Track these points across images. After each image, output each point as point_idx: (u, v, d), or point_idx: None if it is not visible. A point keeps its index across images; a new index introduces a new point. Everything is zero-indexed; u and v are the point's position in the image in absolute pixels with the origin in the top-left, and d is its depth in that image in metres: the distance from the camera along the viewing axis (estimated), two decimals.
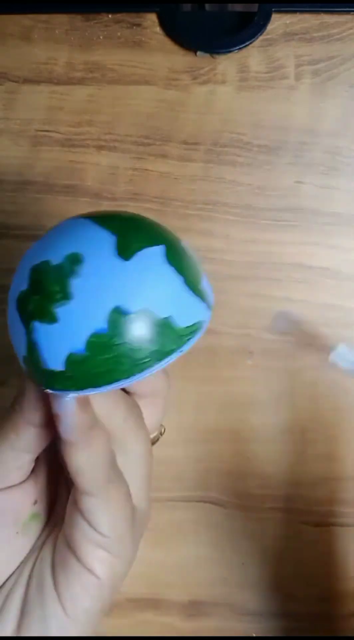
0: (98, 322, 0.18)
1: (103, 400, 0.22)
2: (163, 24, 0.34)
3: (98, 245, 0.19)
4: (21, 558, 0.24)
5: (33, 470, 0.25)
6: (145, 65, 0.34)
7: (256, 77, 0.34)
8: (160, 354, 0.19)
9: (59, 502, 0.26)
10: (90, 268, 0.19)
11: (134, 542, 0.24)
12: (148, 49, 0.34)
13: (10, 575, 0.24)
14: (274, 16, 0.34)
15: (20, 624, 0.23)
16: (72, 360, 0.19)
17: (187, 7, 0.35)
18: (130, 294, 0.19)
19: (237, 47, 0.33)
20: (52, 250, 0.19)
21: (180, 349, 0.20)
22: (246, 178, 0.34)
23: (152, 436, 0.26)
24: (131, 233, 0.20)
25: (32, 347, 0.19)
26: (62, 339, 0.19)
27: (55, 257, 0.19)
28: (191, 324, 0.20)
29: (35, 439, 0.23)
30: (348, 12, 0.34)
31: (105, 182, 0.34)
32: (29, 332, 0.19)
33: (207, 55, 0.34)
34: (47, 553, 0.24)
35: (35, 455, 0.24)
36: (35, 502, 0.25)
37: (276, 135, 0.34)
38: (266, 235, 0.34)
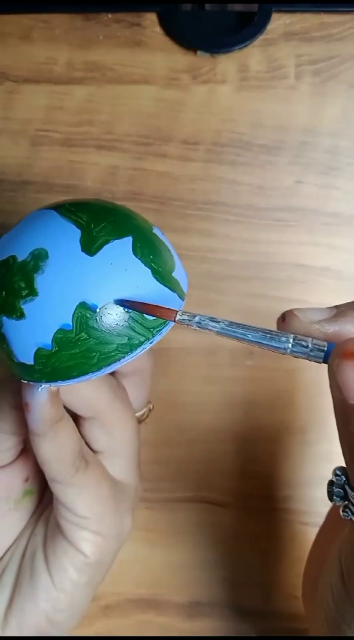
0: (64, 318, 0.19)
1: (86, 385, 0.22)
2: (163, 23, 0.34)
3: (64, 241, 0.19)
4: (16, 533, 0.25)
5: (24, 449, 0.26)
6: (145, 65, 0.34)
7: (256, 77, 0.34)
8: (129, 347, 0.19)
9: None
10: (55, 264, 0.19)
11: (121, 517, 0.25)
12: (148, 49, 0.34)
13: (7, 550, 0.25)
14: (274, 16, 0.34)
15: (13, 593, 0.24)
16: (40, 355, 0.19)
17: (187, 7, 0.35)
18: (95, 289, 0.19)
19: (237, 47, 0.33)
20: (18, 245, 0.19)
21: (150, 341, 0.20)
22: (246, 178, 0.34)
23: (140, 413, 0.27)
24: (97, 226, 0.20)
25: (3, 341, 0.20)
26: (29, 335, 0.19)
27: (21, 253, 0.19)
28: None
29: (21, 422, 0.23)
30: (348, 12, 0.34)
31: (105, 182, 0.34)
32: None
33: (207, 55, 0.34)
34: (40, 528, 0.25)
35: (23, 437, 0.24)
36: (27, 480, 0.26)
37: (276, 135, 0.34)
38: (266, 235, 0.34)
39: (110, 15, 0.34)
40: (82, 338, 0.19)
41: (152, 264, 0.20)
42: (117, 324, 0.19)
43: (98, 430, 0.24)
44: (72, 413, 0.23)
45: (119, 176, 0.34)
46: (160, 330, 0.20)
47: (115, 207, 0.21)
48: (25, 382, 0.20)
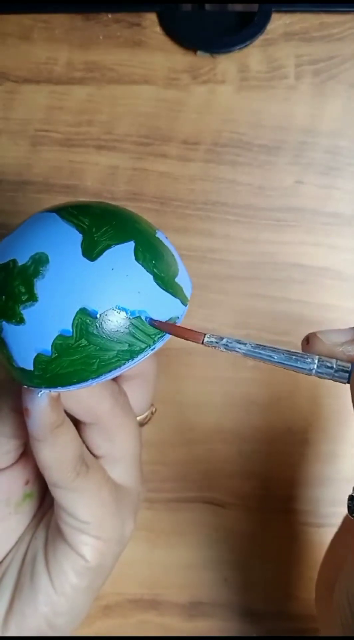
0: (64, 323, 0.18)
1: (87, 391, 0.22)
2: (163, 23, 0.34)
3: (65, 245, 0.19)
4: (17, 536, 0.25)
5: (25, 452, 0.25)
6: (145, 65, 0.34)
7: (256, 77, 0.34)
8: (130, 353, 0.19)
9: None
10: (56, 269, 0.19)
11: (122, 521, 0.25)
12: (148, 49, 0.34)
13: (8, 553, 0.25)
14: (274, 16, 0.34)
15: (13, 597, 0.24)
16: (39, 361, 0.19)
17: (187, 7, 0.35)
18: (96, 295, 0.19)
19: (237, 47, 0.33)
20: (18, 249, 0.19)
21: (151, 348, 0.20)
22: (246, 178, 0.34)
23: (142, 417, 0.26)
24: (99, 231, 0.19)
25: (3, 345, 0.19)
26: (29, 340, 0.19)
27: (21, 256, 0.19)
28: (162, 321, 0.20)
29: (21, 425, 0.23)
30: (348, 12, 0.34)
31: (105, 182, 0.34)
32: None
33: (207, 55, 0.34)
34: (41, 531, 0.25)
35: (23, 440, 0.24)
36: (27, 483, 0.26)
37: (276, 135, 0.34)
38: (266, 235, 0.34)
39: (110, 16, 0.34)
40: (81, 344, 0.19)
41: (154, 270, 0.20)
42: (117, 331, 0.19)
43: (99, 436, 0.24)
44: (73, 417, 0.23)
45: (119, 176, 0.34)
46: (162, 337, 0.20)
47: (117, 210, 0.21)
48: (25, 387, 0.20)
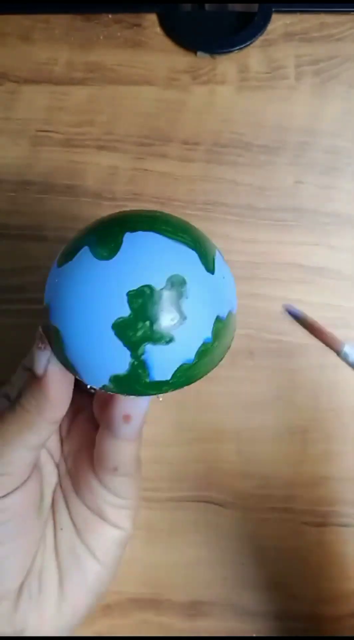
0: (206, 333, 0.20)
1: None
2: (163, 24, 0.34)
3: (190, 264, 0.20)
4: (40, 534, 0.26)
5: None
6: (145, 65, 0.34)
7: (256, 77, 0.34)
8: (229, 345, 0.22)
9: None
10: (194, 287, 0.20)
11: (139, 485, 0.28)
12: (148, 49, 0.34)
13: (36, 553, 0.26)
14: (274, 16, 0.34)
15: (62, 586, 0.25)
16: (180, 369, 0.20)
17: (187, 7, 0.35)
18: (222, 302, 0.21)
19: (237, 47, 0.34)
20: (148, 274, 0.20)
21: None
22: (246, 178, 0.34)
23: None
24: (200, 244, 0.21)
25: (139, 367, 0.20)
26: (175, 356, 0.20)
27: (156, 281, 0.19)
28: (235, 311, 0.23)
29: (51, 433, 0.24)
30: (348, 12, 0.34)
31: (106, 182, 0.34)
32: (137, 355, 0.20)
33: (207, 55, 0.34)
34: (65, 522, 0.26)
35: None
36: (41, 484, 0.26)
37: (276, 135, 0.34)
38: (266, 235, 0.34)
39: (110, 16, 0.34)
40: (215, 346, 0.21)
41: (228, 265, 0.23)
42: (232, 328, 0.22)
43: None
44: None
45: (119, 176, 0.34)
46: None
47: (185, 222, 0.22)
48: (130, 396, 0.21)
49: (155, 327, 0.19)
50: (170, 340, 0.20)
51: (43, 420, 0.23)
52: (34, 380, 0.22)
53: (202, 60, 0.34)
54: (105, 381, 0.20)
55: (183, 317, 0.20)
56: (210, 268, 0.21)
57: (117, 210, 0.34)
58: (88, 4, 0.34)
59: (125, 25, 0.34)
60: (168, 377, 0.20)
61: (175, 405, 0.33)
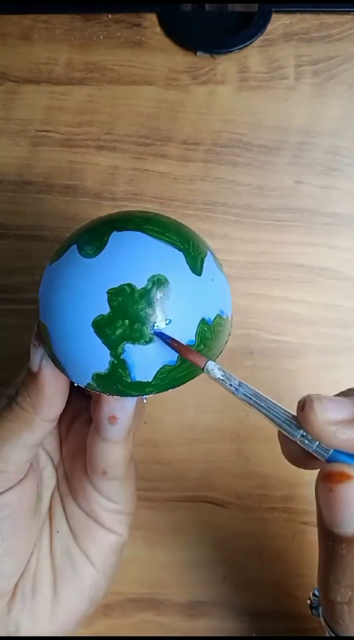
0: (189, 335, 0.20)
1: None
2: (163, 24, 0.34)
3: (175, 265, 0.20)
4: (36, 537, 0.26)
5: None
6: (145, 65, 0.34)
7: (256, 77, 0.34)
8: (220, 350, 0.22)
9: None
10: (177, 288, 0.20)
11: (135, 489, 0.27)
12: (148, 49, 0.34)
13: (31, 555, 0.26)
14: (274, 16, 0.34)
15: (55, 590, 0.25)
16: (162, 371, 0.20)
17: (187, 7, 0.35)
18: (208, 305, 0.20)
19: (237, 47, 0.34)
20: (129, 273, 0.19)
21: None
22: (245, 178, 0.34)
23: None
24: (190, 246, 0.21)
25: (119, 365, 0.20)
26: (155, 356, 0.20)
27: (137, 280, 0.19)
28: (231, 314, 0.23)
29: (48, 432, 0.24)
30: (348, 12, 0.34)
31: (105, 182, 0.34)
32: (116, 353, 0.19)
33: (207, 55, 0.34)
34: (61, 525, 0.26)
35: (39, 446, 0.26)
36: (37, 484, 0.26)
37: (276, 135, 0.34)
38: (266, 235, 0.34)
39: (110, 16, 0.34)
40: (200, 349, 0.20)
41: (224, 271, 0.22)
42: (221, 331, 0.21)
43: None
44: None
45: (119, 176, 0.34)
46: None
47: (176, 221, 0.22)
48: (115, 396, 0.21)
49: (134, 326, 0.19)
50: (150, 340, 0.19)
51: (39, 418, 0.23)
52: (29, 377, 0.22)
53: (202, 60, 0.34)
54: (88, 379, 0.20)
55: (163, 318, 0.19)
56: (197, 270, 0.20)
57: (116, 211, 0.34)
58: (88, 4, 0.34)
59: (125, 25, 0.34)
60: (150, 379, 0.20)
61: (175, 405, 0.33)
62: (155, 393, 0.21)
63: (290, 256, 0.34)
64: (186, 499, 0.33)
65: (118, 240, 0.20)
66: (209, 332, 0.20)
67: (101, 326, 0.19)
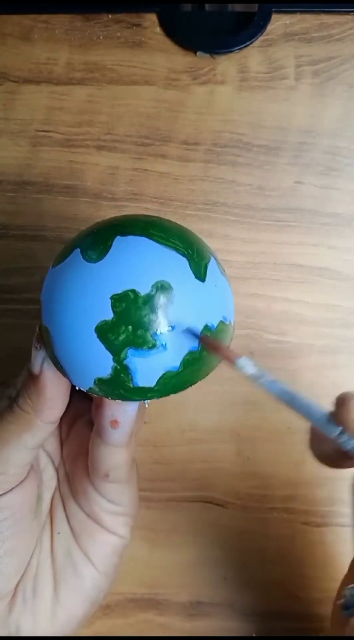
0: (193, 341, 0.20)
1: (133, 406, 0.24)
2: (163, 24, 0.34)
3: (179, 271, 0.20)
4: (36, 539, 0.26)
5: None
6: (145, 65, 0.34)
7: (256, 78, 0.34)
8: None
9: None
10: (181, 295, 0.20)
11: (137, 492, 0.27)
12: (148, 49, 0.34)
13: (31, 556, 0.26)
14: (274, 16, 0.34)
15: (56, 591, 0.25)
16: (165, 377, 0.20)
17: (187, 7, 0.35)
18: (212, 311, 0.20)
19: (237, 47, 0.34)
20: (133, 279, 0.19)
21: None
22: (245, 178, 0.34)
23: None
24: (194, 252, 0.21)
25: (121, 371, 0.20)
26: (158, 362, 0.20)
27: (141, 286, 0.19)
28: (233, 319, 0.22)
29: (49, 434, 0.24)
30: (348, 12, 0.34)
31: (105, 183, 0.34)
32: (119, 359, 0.19)
33: (207, 55, 0.34)
34: (62, 526, 0.26)
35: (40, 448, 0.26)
36: (38, 486, 0.26)
37: (276, 135, 0.34)
38: (266, 235, 0.34)
39: (110, 16, 0.34)
40: (203, 356, 0.20)
41: (226, 277, 0.22)
42: (223, 338, 0.21)
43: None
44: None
45: (119, 176, 0.34)
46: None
47: (181, 226, 0.22)
48: (117, 400, 0.21)
49: (137, 332, 0.19)
50: (153, 346, 0.19)
51: (40, 420, 0.23)
52: (31, 380, 0.22)
53: (202, 60, 0.34)
54: (90, 384, 0.20)
55: (167, 324, 0.19)
56: (201, 276, 0.20)
57: (115, 211, 0.34)
58: (88, 4, 0.34)
59: (125, 25, 0.34)
60: (153, 384, 0.20)
61: (175, 405, 0.33)
62: (157, 398, 0.21)
63: (290, 256, 0.34)
64: (186, 499, 0.33)
65: (122, 245, 0.20)
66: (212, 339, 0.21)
67: (104, 332, 0.19)
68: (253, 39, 0.34)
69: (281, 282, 0.34)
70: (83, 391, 0.21)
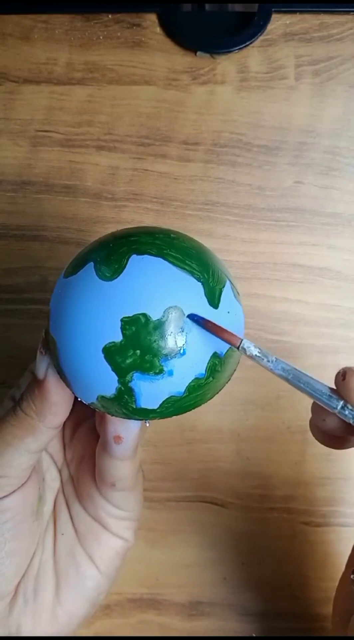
0: (200, 368, 0.20)
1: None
2: (163, 24, 0.34)
3: (192, 296, 0.20)
4: (38, 538, 0.26)
5: None
6: (145, 65, 0.34)
7: (256, 78, 0.34)
8: (228, 379, 0.22)
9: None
10: (191, 323, 0.19)
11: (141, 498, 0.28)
12: (148, 49, 0.34)
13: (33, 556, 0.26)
14: (274, 16, 0.34)
15: (58, 591, 0.25)
16: (168, 401, 0.20)
17: (187, 7, 0.35)
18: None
19: (237, 47, 0.34)
20: (146, 302, 0.19)
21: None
22: (245, 178, 0.34)
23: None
24: (210, 276, 0.20)
25: (125, 392, 0.20)
26: (164, 387, 0.19)
27: (153, 311, 0.19)
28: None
29: (51, 438, 0.24)
30: (348, 12, 0.34)
31: (105, 183, 0.34)
32: (124, 381, 0.19)
33: (207, 55, 0.34)
34: (66, 528, 0.26)
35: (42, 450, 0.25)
36: (39, 488, 0.26)
37: (276, 135, 0.34)
38: (266, 235, 0.34)
39: (110, 16, 0.34)
40: (209, 382, 0.20)
41: (240, 300, 0.22)
42: (231, 364, 0.21)
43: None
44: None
45: (119, 176, 0.34)
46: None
47: (199, 244, 0.22)
48: (120, 417, 0.21)
49: (145, 357, 0.19)
50: (160, 372, 0.19)
51: (43, 425, 0.23)
52: (35, 384, 0.22)
53: (202, 60, 0.34)
54: (93, 399, 0.20)
55: (176, 351, 0.19)
56: (214, 302, 0.20)
57: (115, 211, 0.34)
58: (88, 4, 0.34)
59: (125, 25, 0.34)
60: (156, 407, 0.20)
61: None
62: (159, 419, 0.21)
63: (290, 256, 0.34)
64: (186, 499, 0.33)
65: (137, 264, 0.20)
66: (219, 365, 0.20)
67: (112, 353, 0.19)
68: (253, 39, 0.34)
69: (281, 282, 0.34)
70: None
